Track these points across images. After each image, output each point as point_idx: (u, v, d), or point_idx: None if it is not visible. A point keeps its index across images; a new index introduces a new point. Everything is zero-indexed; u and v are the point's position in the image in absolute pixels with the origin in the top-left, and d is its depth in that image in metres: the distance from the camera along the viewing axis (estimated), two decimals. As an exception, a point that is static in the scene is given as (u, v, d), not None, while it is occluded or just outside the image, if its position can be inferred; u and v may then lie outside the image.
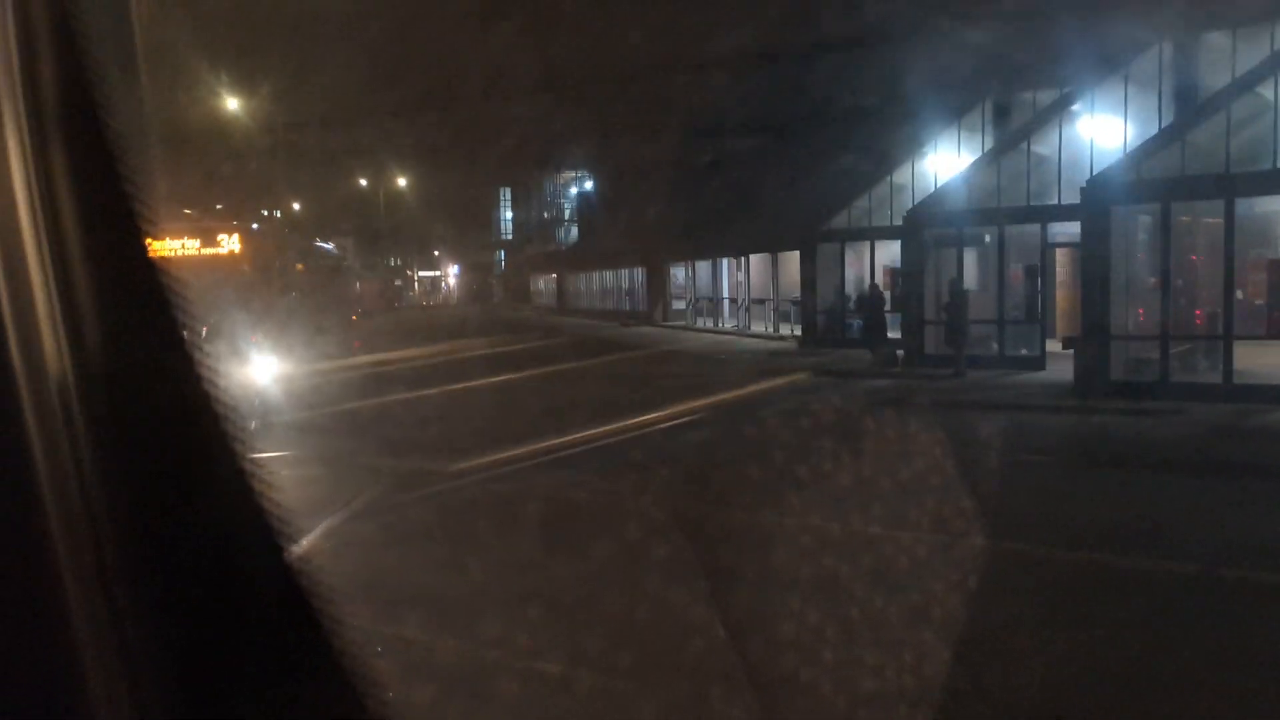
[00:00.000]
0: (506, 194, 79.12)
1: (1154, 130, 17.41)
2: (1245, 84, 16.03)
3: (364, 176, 63.02)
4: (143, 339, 1.17)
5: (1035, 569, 7.08)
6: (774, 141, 33.12)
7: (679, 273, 42.73)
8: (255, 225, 16.54)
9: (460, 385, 18.17)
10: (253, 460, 1.13)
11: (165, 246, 12.16)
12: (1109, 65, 18.64)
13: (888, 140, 24.98)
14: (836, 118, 30.21)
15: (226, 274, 14.68)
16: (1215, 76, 17.05)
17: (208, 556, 1.12)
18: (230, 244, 15.26)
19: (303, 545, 1.21)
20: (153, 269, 1.16)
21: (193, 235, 14.59)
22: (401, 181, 67.04)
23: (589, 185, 60.60)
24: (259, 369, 13.01)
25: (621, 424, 13.04)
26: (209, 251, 14.73)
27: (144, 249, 1.17)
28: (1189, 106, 17.22)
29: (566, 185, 67.56)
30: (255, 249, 15.56)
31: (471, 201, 71.63)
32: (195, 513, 1.13)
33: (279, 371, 13.70)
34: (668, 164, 40.29)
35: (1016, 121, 21.61)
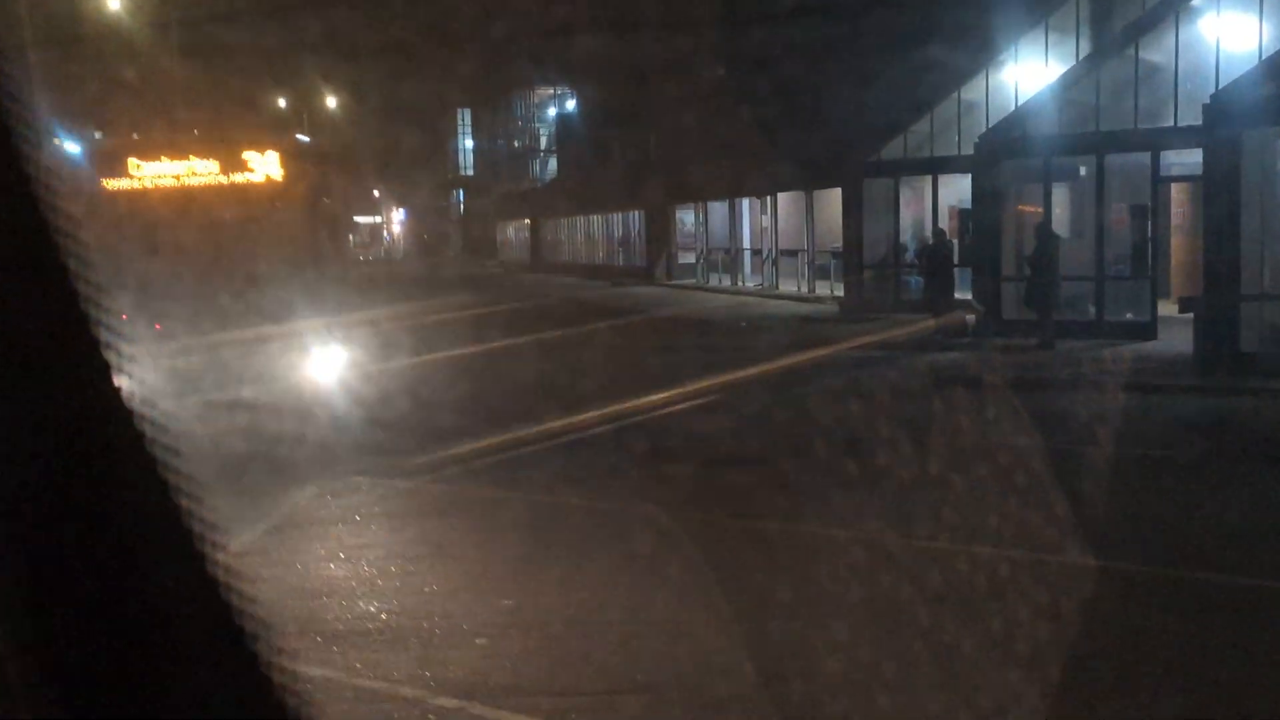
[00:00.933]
0: (466, 117, 78.88)
1: (1298, 31, 17.36)
2: None
3: (281, 93, 62.70)
4: (22, 314, 1.14)
5: (1155, 593, 7.10)
6: (809, 44, 32.95)
7: (687, 217, 42.71)
8: (300, 140, 15.02)
9: (411, 362, 18.18)
10: (173, 468, 1.17)
11: (159, 172, 11.69)
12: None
13: (955, 44, 24.91)
14: (889, 11, 30.09)
15: (258, 212, 13.82)
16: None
17: (110, 577, 1.17)
18: (266, 167, 14.22)
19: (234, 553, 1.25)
20: (38, 212, 1.13)
21: (205, 154, 13.47)
22: (331, 101, 66.78)
23: (571, 105, 60.38)
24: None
25: (614, 408, 13.08)
26: (234, 179, 13.61)
27: (25, 181, 1.15)
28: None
29: (543, 105, 67.36)
30: (300, 177, 14.40)
31: (422, 126, 71.44)
32: (94, 529, 1.18)
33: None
34: (671, 76, 40.12)
35: (1120, 20, 21.53)
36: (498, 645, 6.09)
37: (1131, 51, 20.08)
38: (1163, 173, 20.03)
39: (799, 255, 32.74)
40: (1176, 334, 17.82)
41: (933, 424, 11.66)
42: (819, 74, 32.74)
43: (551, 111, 65.49)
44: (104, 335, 1.16)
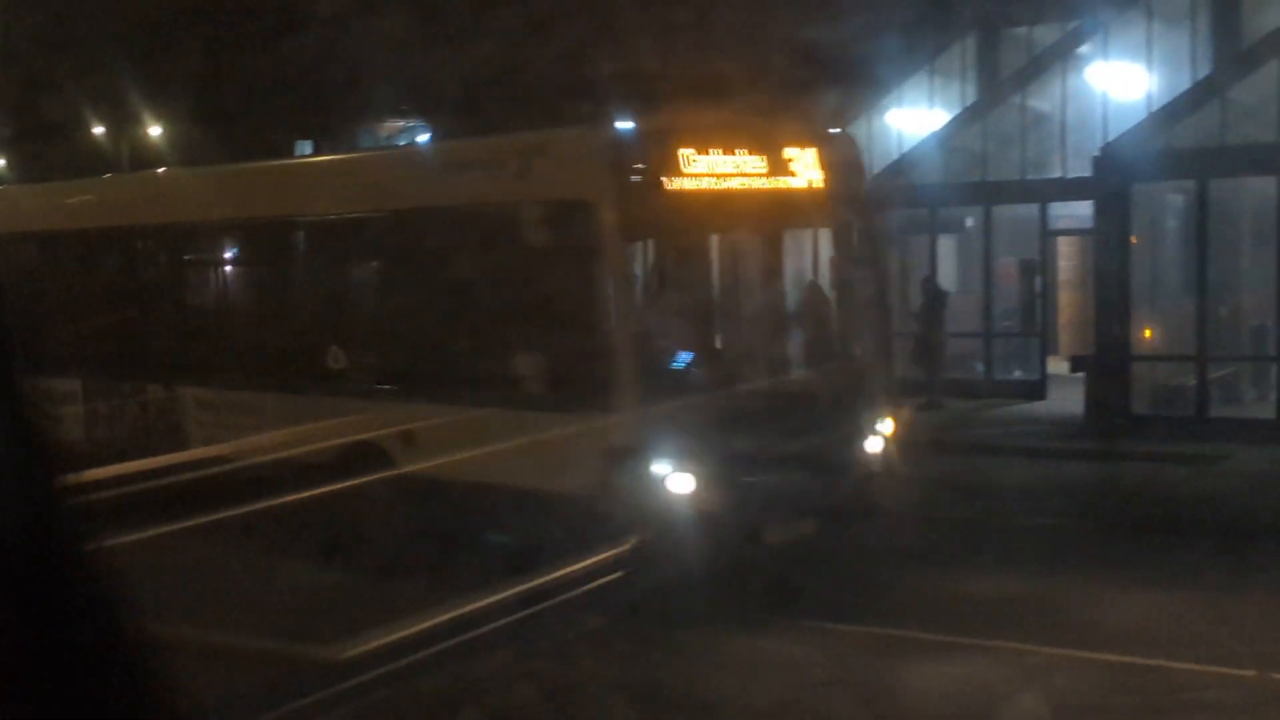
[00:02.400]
0: (307, 152, 77.50)
1: (1187, 82, 18.03)
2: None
3: (101, 121, 60.90)
4: None
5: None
6: (688, 88, 33.22)
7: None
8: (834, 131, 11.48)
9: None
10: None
11: (716, 168, 10.11)
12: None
13: (835, 88, 25.24)
14: (766, 55, 30.47)
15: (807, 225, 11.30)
16: (1264, 15, 17.76)
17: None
18: (806, 167, 11.00)
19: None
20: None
21: (752, 146, 10.71)
22: (155, 130, 65.00)
23: (424, 139, 59.73)
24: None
25: None
26: (777, 183, 10.69)
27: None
28: (1231, 52, 17.91)
29: (392, 139, 66.51)
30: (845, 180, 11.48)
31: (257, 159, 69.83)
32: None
33: None
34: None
35: (1007, 68, 22.12)
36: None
37: (1019, 100, 20.60)
38: (1051, 225, 20.52)
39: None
40: (1067, 393, 18.19)
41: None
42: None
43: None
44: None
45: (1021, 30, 22.33)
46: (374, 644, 6.44)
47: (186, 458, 11.36)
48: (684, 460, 8.97)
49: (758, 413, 9.81)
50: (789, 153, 10.36)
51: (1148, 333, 17.44)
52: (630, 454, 8.99)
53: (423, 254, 11.04)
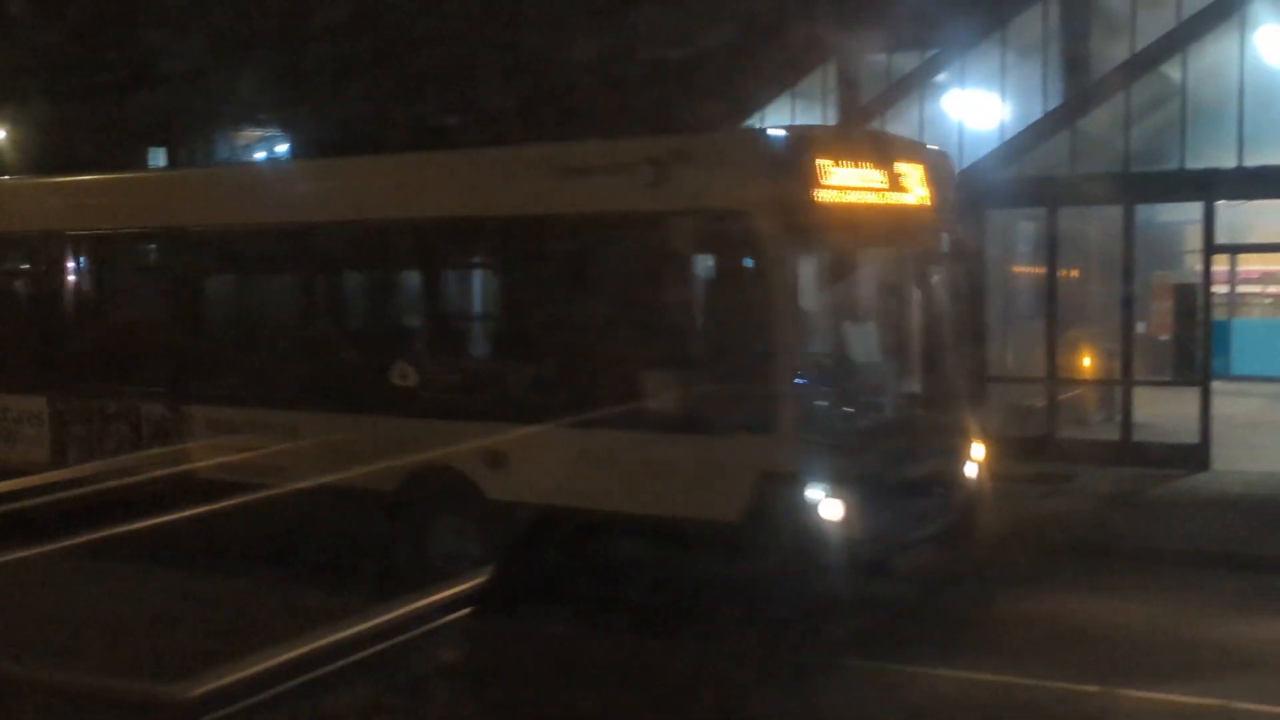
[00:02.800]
0: (160, 159, 75.64)
1: (1039, 112, 18.51)
2: (1143, 62, 17.28)
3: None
4: None
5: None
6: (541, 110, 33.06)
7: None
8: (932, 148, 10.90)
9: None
10: None
11: (862, 180, 9.07)
12: (983, 24, 19.70)
13: (695, 111, 25.35)
14: (626, 74, 30.51)
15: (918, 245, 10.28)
16: (1113, 47, 18.31)
17: None
18: (931, 183, 10.22)
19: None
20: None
21: (883, 159, 9.79)
22: None
23: (283, 149, 58.73)
24: None
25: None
26: (908, 198, 9.85)
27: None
28: (1082, 83, 18.43)
29: (249, 149, 65.26)
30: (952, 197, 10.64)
31: (108, 168, 67.94)
32: None
33: None
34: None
35: (866, 93, 22.46)
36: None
37: (878, 125, 20.91)
38: (907, 249, 20.78)
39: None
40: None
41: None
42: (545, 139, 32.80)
43: (260, 156, 63.58)
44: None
45: (881, 58, 22.72)
46: (221, 681, 6.20)
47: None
48: (836, 484, 8.63)
49: (894, 434, 9.57)
50: (916, 168, 10.06)
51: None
52: (786, 478, 8.55)
53: (532, 264, 10.28)
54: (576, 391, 9.65)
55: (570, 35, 23.79)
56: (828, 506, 8.63)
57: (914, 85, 20.94)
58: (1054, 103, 18.53)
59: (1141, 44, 17.45)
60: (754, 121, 23.85)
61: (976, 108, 20.22)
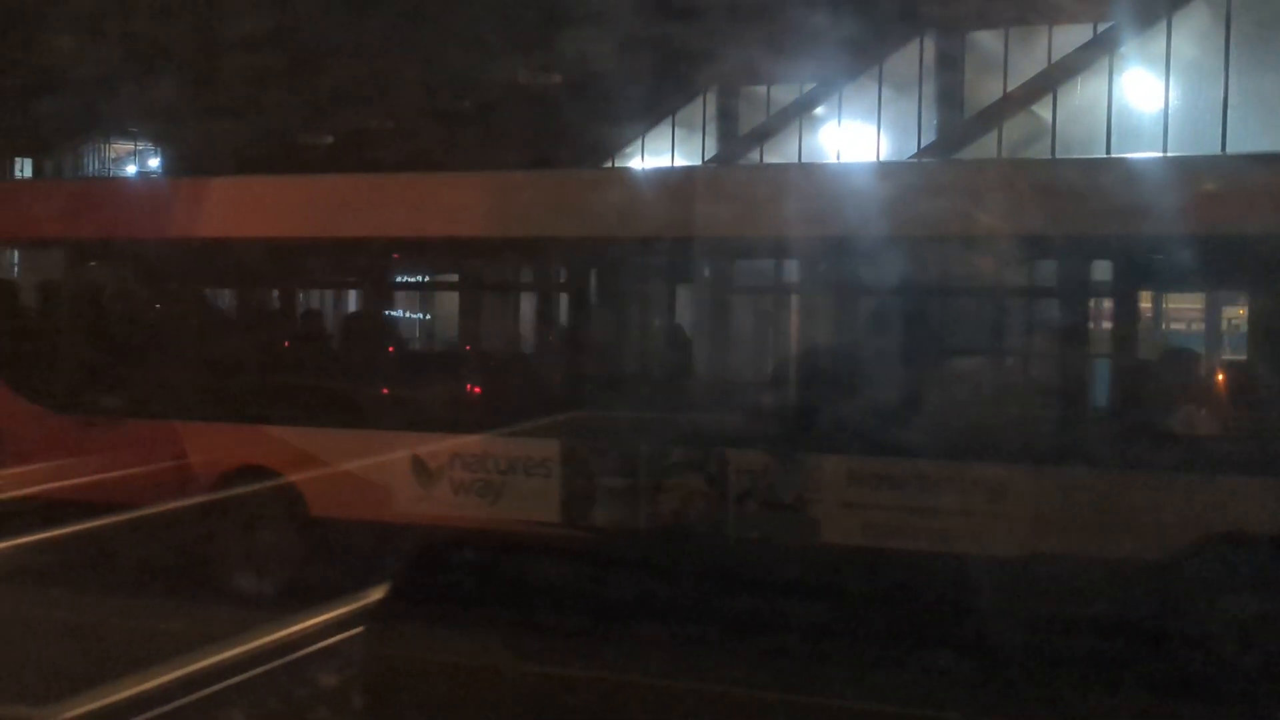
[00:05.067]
0: (26, 168, 73.41)
1: (914, 147, 18.84)
2: (1016, 101, 17.73)
3: None
4: None
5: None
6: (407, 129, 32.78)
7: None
8: None
9: None
10: None
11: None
12: (860, 59, 19.97)
13: (575, 137, 25.30)
14: (508, 100, 30.38)
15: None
16: (984, 87, 18.74)
17: None
18: None
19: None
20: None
21: None
22: None
23: (155, 163, 57.38)
24: None
25: None
26: None
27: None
28: (955, 120, 18.80)
29: (119, 163, 63.66)
30: None
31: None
32: None
33: None
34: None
35: (746, 123, 22.65)
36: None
37: (756, 155, 21.14)
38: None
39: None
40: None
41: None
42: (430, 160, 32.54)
43: (131, 172, 62.04)
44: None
45: (761, 89, 22.93)
46: (90, 706, 5.91)
47: None
48: None
49: None
50: None
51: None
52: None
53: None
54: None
55: (486, 54, 23.63)
56: None
57: (792, 116, 21.18)
58: (929, 138, 18.87)
59: (1014, 83, 17.88)
60: (635, 148, 23.95)
61: (853, 141, 20.49)
